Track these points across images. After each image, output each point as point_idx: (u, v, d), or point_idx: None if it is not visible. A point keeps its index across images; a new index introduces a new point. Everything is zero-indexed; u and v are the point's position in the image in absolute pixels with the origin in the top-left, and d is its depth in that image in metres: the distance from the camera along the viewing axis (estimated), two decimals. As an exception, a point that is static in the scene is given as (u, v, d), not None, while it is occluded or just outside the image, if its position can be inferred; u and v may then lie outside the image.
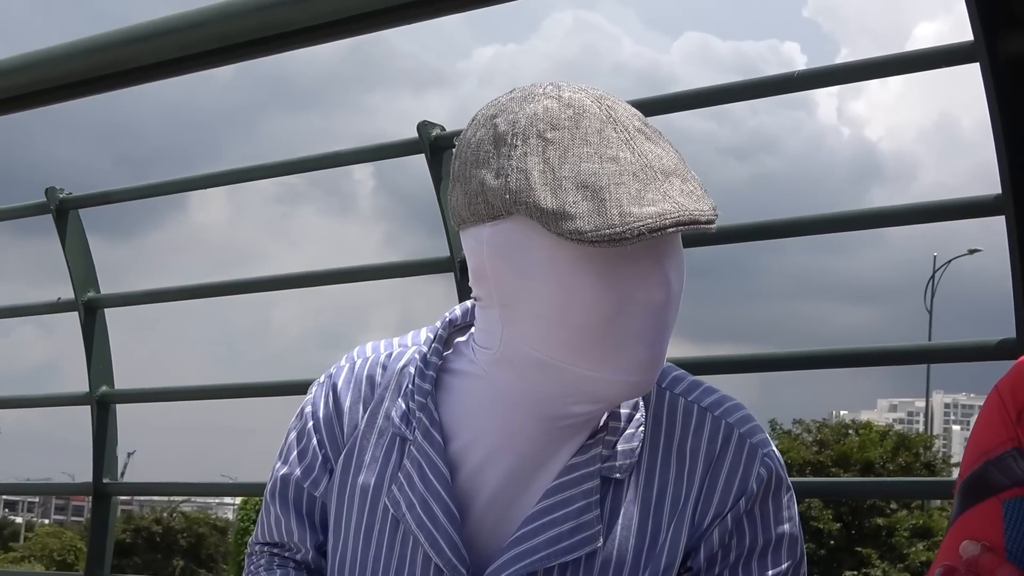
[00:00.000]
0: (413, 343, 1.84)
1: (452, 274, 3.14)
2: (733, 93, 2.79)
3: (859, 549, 31.28)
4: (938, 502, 32.55)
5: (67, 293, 3.80)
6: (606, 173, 1.53)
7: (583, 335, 1.58)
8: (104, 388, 3.74)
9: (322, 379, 1.86)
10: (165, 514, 44.01)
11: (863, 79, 2.57)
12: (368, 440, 1.77)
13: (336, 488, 1.78)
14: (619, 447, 1.70)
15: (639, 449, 1.72)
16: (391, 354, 1.84)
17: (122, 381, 3.78)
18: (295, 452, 1.84)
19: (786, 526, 1.76)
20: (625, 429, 1.71)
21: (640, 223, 1.49)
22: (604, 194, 1.51)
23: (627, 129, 1.57)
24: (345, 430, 1.80)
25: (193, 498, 48.97)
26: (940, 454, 36.44)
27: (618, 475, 1.69)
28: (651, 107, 2.98)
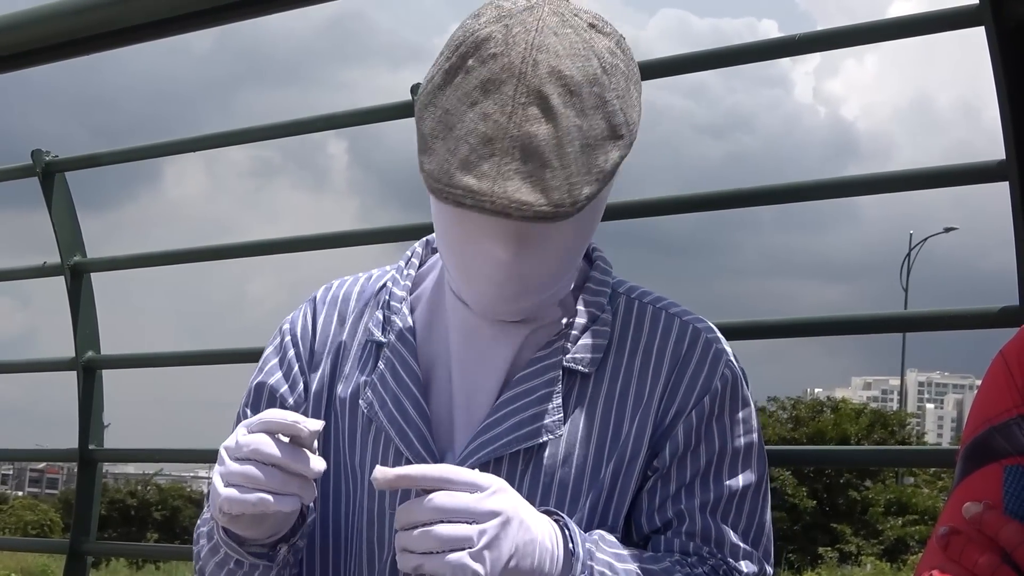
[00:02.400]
0: (392, 267, 1.91)
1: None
2: (724, 58, 2.77)
3: (834, 525, 31.44)
4: (911, 479, 32.73)
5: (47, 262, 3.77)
6: (467, 125, 1.54)
7: (448, 252, 1.68)
8: (90, 353, 3.71)
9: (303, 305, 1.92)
10: (140, 487, 43.95)
11: (864, 43, 2.54)
12: (349, 352, 1.83)
13: (321, 402, 1.82)
14: (582, 342, 1.75)
15: (606, 347, 1.76)
16: (371, 276, 1.92)
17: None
18: (270, 363, 1.88)
19: (754, 436, 1.79)
20: (590, 327, 1.76)
21: (453, 191, 1.51)
22: (451, 144, 1.53)
23: (528, 94, 1.54)
24: (318, 343, 1.85)
25: (168, 471, 48.95)
26: (914, 432, 36.62)
27: (582, 368, 1.73)
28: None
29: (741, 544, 1.76)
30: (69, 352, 3.74)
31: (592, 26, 1.64)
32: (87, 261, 3.73)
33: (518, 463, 1.69)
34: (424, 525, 1.48)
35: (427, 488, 1.50)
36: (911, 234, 43.46)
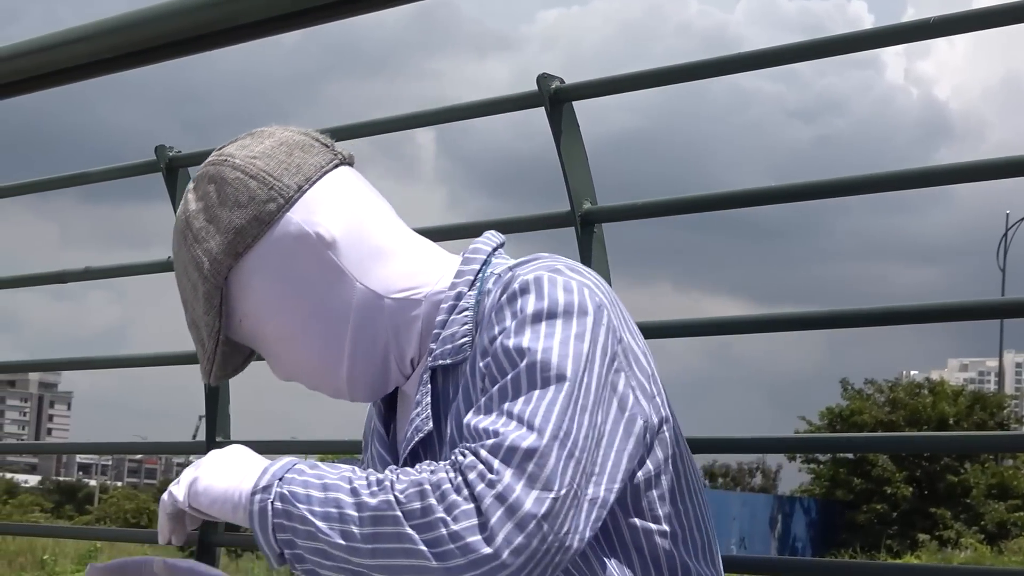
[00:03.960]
0: None
1: (566, 229, 3.14)
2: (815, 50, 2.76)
3: (933, 510, 31.11)
4: (1011, 460, 32.27)
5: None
6: None
7: None
8: (214, 346, 3.73)
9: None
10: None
11: (1005, 23, 2.52)
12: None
13: None
14: (444, 334, 1.78)
15: (472, 331, 1.77)
16: None
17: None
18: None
19: (539, 328, 1.66)
20: (447, 319, 1.79)
21: None
22: None
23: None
24: None
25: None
26: (1012, 414, 36.10)
27: (445, 361, 1.77)
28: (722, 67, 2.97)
29: (492, 427, 1.61)
30: (177, 346, 3.78)
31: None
32: (211, 255, 3.76)
33: (410, 465, 1.72)
34: None
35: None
36: (1007, 214, 42.85)
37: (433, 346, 1.78)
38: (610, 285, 3.16)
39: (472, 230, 3.56)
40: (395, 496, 1.59)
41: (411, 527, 1.56)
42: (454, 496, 1.56)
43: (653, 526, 1.74)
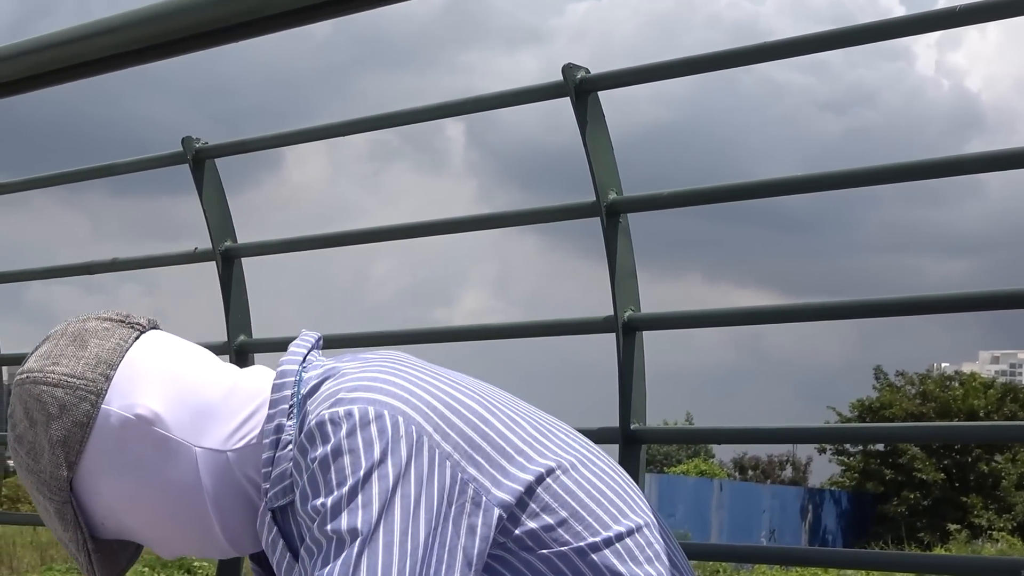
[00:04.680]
0: None
1: (592, 220, 3.14)
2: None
3: (964, 499, 30.98)
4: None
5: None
6: None
7: None
8: (242, 337, 3.75)
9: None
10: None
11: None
12: None
13: None
14: (274, 474, 1.73)
15: (293, 469, 1.71)
16: None
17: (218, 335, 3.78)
18: None
19: (345, 482, 1.62)
20: (272, 458, 1.74)
21: None
22: None
23: None
24: None
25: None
26: (1045, 406, 35.89)
27: (279, 503, 1.72)
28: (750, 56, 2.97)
29: None
30: (209, 337, 3.79)
31: None
32: (238, 246, 3.76)
33: None
34: None
35: None
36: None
37: (266, 486, 1.73)
38: (635, 275, 3.17)
39: (502, 220, 3.57)
40: None
41: None
42: None
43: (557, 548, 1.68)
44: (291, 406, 1.74)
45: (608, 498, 1.74)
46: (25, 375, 1.80)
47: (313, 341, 1.85)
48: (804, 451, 44.91)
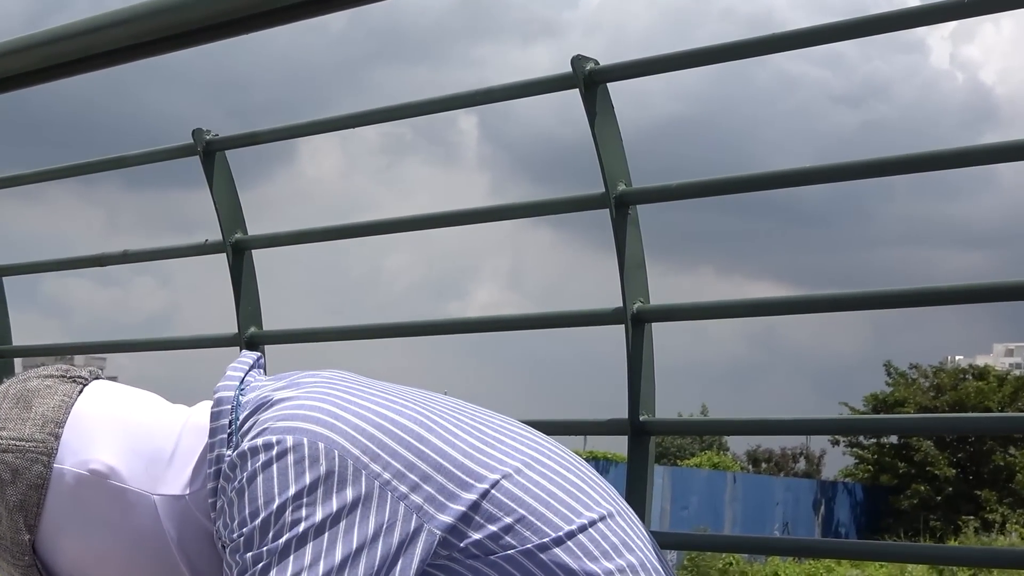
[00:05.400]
0: None
1: (604, 212, 3.14)
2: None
3: (977, 492, 30.94)
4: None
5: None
6: None
7: None
8: (253, 329, 3.76)
9: None
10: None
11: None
12: None
13: None
14: (218, 504, 1.69)
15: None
16: None
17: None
18: None
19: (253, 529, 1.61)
20: (218, 485, 1.70)
21: None
22: None
23: None
24: None
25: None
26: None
27: (229, 542, 1.67)
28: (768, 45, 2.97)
29: None
30: (222, 330, 3.80)
31: None
32: (249, 238, 3.77)
33: None
34: None
35: None
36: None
37: (215, 518, 1.70)
38: (644, 266, 3.17)
39: (511, 212, 3.57)
40: None
41: None
42: None
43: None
44: (229, 434, 1.72)
45: (558, 498, 1.71)
46: None
47: (251, 361, 1.83)
48: (818, 444, 44.87)
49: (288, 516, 1.58)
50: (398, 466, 1.63)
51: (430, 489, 1.63)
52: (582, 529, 1.70)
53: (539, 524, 1.67)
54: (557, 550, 1.67)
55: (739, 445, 44.40)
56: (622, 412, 3.20)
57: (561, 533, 1.68)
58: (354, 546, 1.58)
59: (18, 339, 4.55)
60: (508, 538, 1.65)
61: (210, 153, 3.77)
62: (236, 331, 3.77)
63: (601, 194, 3.12)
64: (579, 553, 1.68)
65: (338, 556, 1.57)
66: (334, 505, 1.58)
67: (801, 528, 30.24)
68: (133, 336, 4.50)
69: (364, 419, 1.66)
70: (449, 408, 1.76)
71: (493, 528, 1.65)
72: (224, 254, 3.80)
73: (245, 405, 1.74)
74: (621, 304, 3.13)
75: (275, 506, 1.58)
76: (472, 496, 1.65)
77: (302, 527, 1.57)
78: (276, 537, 1.57)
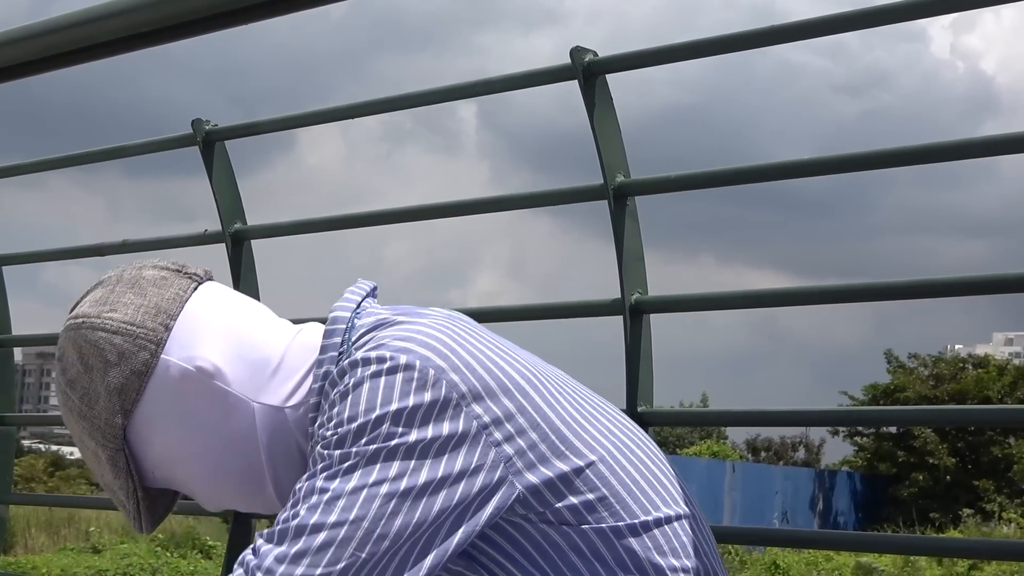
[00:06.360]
0: None
1: (604, 201, 3.15)
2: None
3: (976, 482, 30.96)
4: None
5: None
6: None
7: None
8: (252, 319, 3.76)
9: None
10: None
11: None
12: None
13: None
14: (320, 419, 1.70)
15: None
16: None
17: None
18: None
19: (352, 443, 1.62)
20: (320, 401, 1.73)
21: None
22: None
23: None
24: None
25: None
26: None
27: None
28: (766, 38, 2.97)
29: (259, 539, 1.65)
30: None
31: None
32: (248, 228, 3.78)
33: None
34: None
35: None
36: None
37: (312, 431, 1.71)
38: (642, 258, 3.17)
39: (510, 203, 3.58)
40: None
41: None
42: None
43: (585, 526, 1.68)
44: (340, 353, 1.73)
45: (640, 488, 1.73)
46: (81, 320, 1.78)
47: (368, 289, 1.85)
48: (817, 433, 44.91)
49: (385, 428, 1.59)
50: (499, 413, 1.64)
51: (523, 444, 1.64)
52: (657, 523, 1.72)
53: (619, 508, 1.68)
54: (630, 537, 1.69)
55: (738, 434, 44.48)
56: (620, 403, 3.20)
57: (637, 521, 1.69)
58: (438, 476, 1.59)
59: (18, 328, 4.55)
60: (587, 514, 1.67)
61: (209, 143, 3.77)
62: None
63: (599, 185, 3.12)
64: (649, 544, 1.70)
65: (420, 480, 1.58)
66: (430, 433, 1.60)
67: (800, 517, 30.27)
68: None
69: (477, 360, 1.67)
70: (554, 375, 1.78)
71: (575, 501, 1.67)
72: (224, 244, 3.80)
73: (358, 328, 1.75)
74: (620, 295, 3.13)
75: (375, 416, 1.59)
76: (563, 466, 1.66)
77: (395, 442, 1.58)
78: (368, 443, 1.59)
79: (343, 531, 1.57)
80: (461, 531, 1.62)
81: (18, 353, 4.70)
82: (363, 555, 1.57)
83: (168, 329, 1.74)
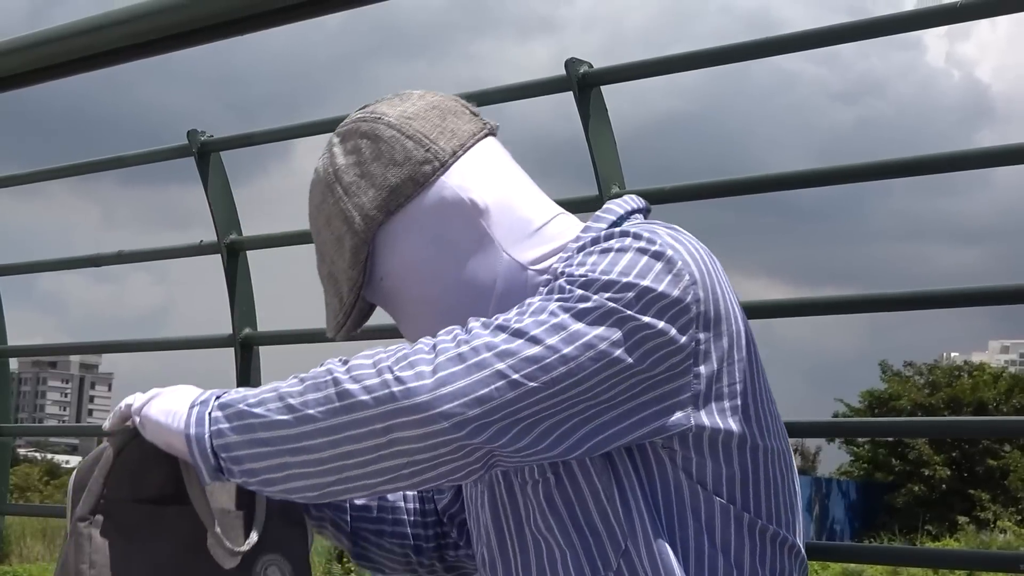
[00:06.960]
0: None
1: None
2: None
3: (971, 492, 30.99)
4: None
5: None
6: None
7: None
8: (247, 330, 3.76)
9: None
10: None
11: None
12: None
13: None
14: None
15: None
16: None
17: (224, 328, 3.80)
18: None
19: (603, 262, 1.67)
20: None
21: None
22: None
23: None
24: None
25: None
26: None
27: None
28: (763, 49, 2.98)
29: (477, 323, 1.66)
30: (218, 327, 3.81)
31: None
32: (243, 239, 3.78)
33: None
34: None
35: None
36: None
37: (557, 266, 1.77)
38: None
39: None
40: (346, 360, 1.63)
41: (349, 377, 1.59)
42: (418, 346, 1.62)
43: (716, 499, 1.70)
44: (610, 227, 1.80)
45: (782, 500, 1.76)
46: (379, 116, 1.84)
47: (644, 205, 1.88)
48: (813, 441, 44.93)
49: (630, 295, 1.62)
50: (713, 350, 1.68)
51: (715, 389, 1.68)
52: (774, 539, 1.74)
53: (753, 502, 1.72)
54: (751, 534, 1.72)
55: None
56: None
57: (759, 525, 1.72)
58: (642, 367, 1.62)
59: (13, 337, 4.55)
60: (726, 487, 1.70)
61: (205, 154, 3.77)
62: (231, 332, 3.77)
63: (595, 196, 3.12)
64: (758, 552, 1.73)
65: (628, 360, 1.61)
66: (659, 325, 1.62)
67: (796, 525, 30.24)
68: (129, 332, 4.53)
69: (723, 297, 1.71)
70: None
71: (724, 470, 1.70)
72: (219, 255, 3.80)
73: (632, 219, 1.82)
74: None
75: (625, 281, 1.62)
76: (736, 429, 1.70)
77: (629, 313, 1.61)
78: (610, 300, 1.62)
79: (552, 358, 1.59)
80: (628, 424, 1.64)
81: (14, 362, 4.70)
82: (552, 390, 1.59)
83: (456, 156, 1.82)
